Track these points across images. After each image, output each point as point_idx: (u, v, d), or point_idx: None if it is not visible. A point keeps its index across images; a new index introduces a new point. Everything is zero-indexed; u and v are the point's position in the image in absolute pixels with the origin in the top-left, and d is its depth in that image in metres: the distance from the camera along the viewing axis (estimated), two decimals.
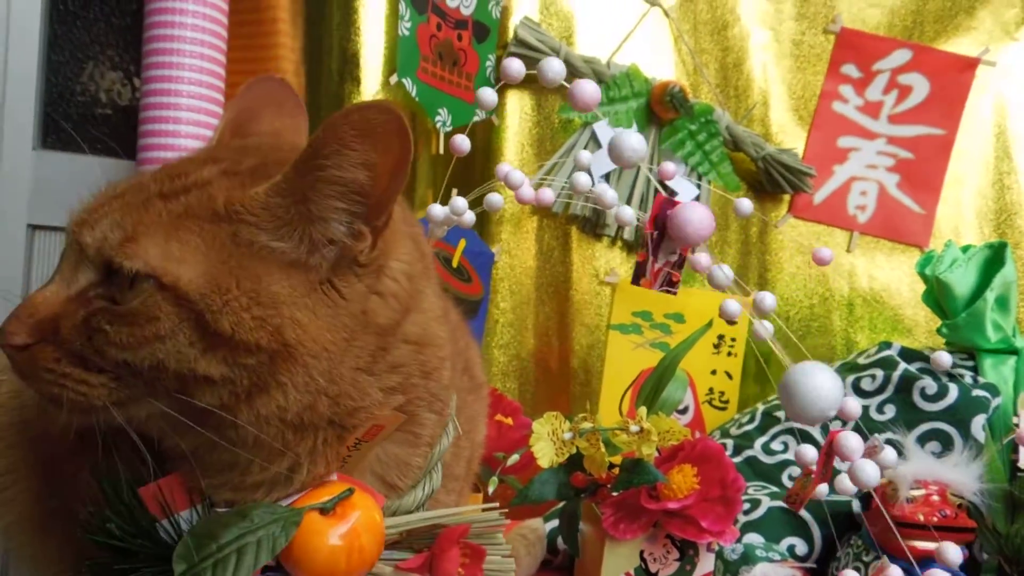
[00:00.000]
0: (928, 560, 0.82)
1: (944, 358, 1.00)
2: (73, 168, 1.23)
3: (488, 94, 0.74)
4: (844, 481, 0.67)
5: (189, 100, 1.10)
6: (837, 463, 0.67)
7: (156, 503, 0.49)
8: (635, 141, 0.57)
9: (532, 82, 1.33)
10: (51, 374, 0.46)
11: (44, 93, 1.24)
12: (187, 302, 0.45)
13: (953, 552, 0.67)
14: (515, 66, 0.77)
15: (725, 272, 0.67)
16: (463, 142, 0.81)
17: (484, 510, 0.55)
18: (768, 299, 0.70)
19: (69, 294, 0.47)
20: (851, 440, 0.62)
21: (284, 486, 0.50)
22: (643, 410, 0.78)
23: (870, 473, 0.62)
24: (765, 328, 0.72)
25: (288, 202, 0.47)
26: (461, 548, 0.53)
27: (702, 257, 0.70)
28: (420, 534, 0.55)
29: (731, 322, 0.74)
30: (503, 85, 1.34)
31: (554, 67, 0.72)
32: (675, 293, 0.67)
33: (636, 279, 0.66)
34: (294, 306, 0.47)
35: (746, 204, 0.80)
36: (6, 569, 1.22)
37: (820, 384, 0.54)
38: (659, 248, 0.63)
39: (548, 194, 0.83)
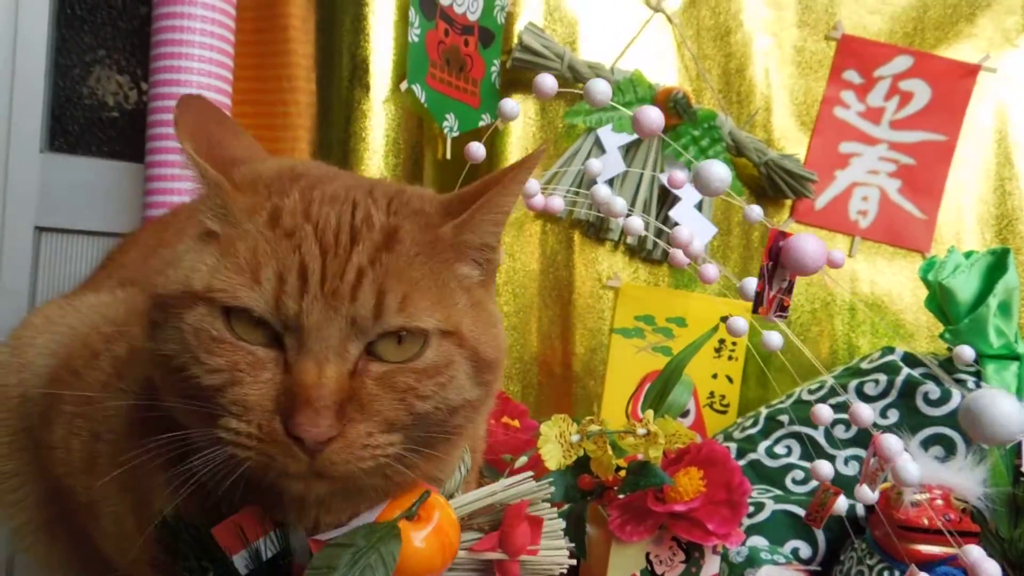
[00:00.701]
0: (932, 564, 0.83)
1: (967, 352, 1.00)
2: (80, 171, 1.24)
3: (511, 106, 0.75)
4: (899, 471, 0.68)
5: None
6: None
7: (235, 538, 0.50)
8: (722, 171, 0.61)
9: None
10: (368, 450, 0.46)
11: (51, 96, 1.24)
12: (465, 342, 0.49)
13: (978, 554, 0.67)
14: (548, 82, 0.79)
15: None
16: (478, 150, 0.81)
17: (521, 481, 0.58)
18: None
19: (349, 368, 0.46)
20: (891, 441, 0.64)
21: (366, 503, 0.52)
22: (650, 413, 0.79)
23: (912, 472, 0.63)
24: (775, 339, 0.73)
25: (468, 234, 0.51)
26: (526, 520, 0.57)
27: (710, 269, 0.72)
28: (479, 514, 0.58)
29: (737, 336, 0.76)
30: (508, 91, 1.36)
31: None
32: (786, 317, 0.70)
33: (755, 308, 0.69)
34: (497, 319, 0.53)
35: (756, 211, 0.81)
36: (12, 571, 1.22)
37: (1006, 410, 0.57)
38: (773, 277, 0.66)
39: (558, 202, 0.83)
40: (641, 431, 0.77)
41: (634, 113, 0.64)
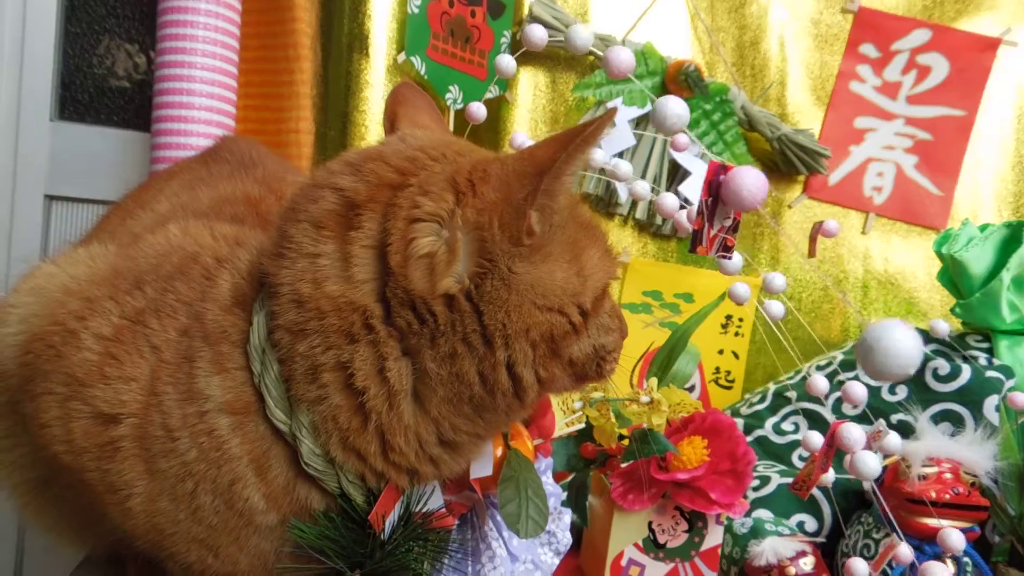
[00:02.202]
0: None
1: (941, 326, 0.99)
2: (90, 140, 1.24)
3: (506, 61, 0.73)
4: (856, 463, 0.67)
5: (203, 73, 1.10)
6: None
7: (388, 509, 0.55)
8: (678, 107, 0.58)
9: (547, 59, 1.33)
10: None
11: (61, 65, 1.24)
12: None
13: (956, 538, 0.66)
14: (538, 32, 0.77)
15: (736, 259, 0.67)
16: (479, 109, 0.80)
17: None
18: (778, 280, 0.70)
19: None
20: (853, 431, 0.62)
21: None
22: (654, 381, 0.78)
23: (871, 465, 0.62)
24: (775, 308, 0.72)
25: None
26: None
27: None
28: None
29: (740, 303, 0.74)
30: (519, 63, 1.34)
31: (581, 34, 0.72)
32: (731, 258, 0.67)
33: (693, 247, 0.67)
34: None
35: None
36: (23, 542, 1.23)
37: (899, 339, 0.55)
38: (714, 214, 0.64)
39: None
40: (644, 399, 0.76)
41: (605, 54, 0.64)
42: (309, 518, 0.54)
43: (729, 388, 1.31)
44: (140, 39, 1.28)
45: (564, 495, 0.85)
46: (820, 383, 0.70)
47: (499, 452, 0.61)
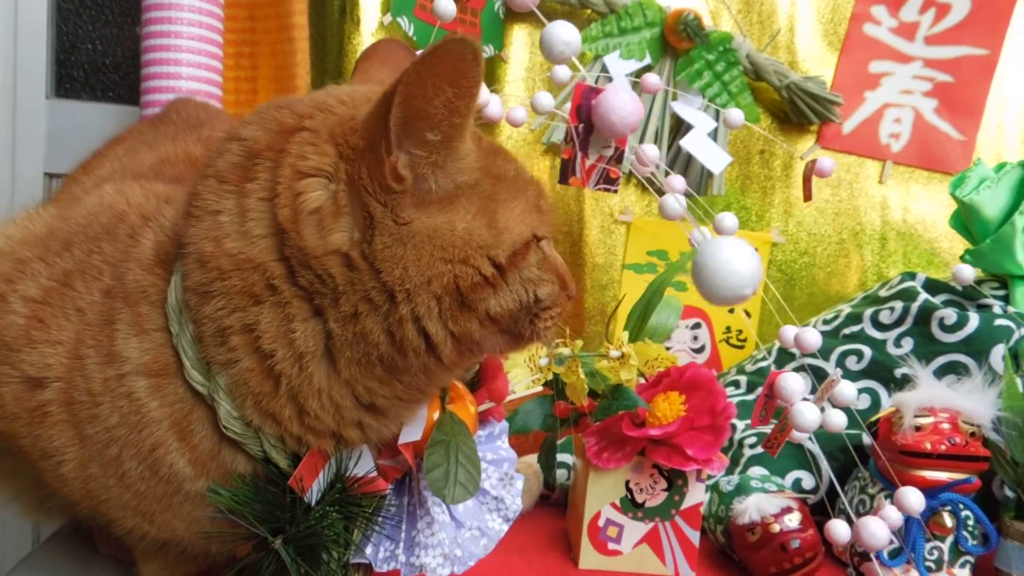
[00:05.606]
0: (937, 490, 0.78)
1: (966, 271, 0.94)
2: (87, 116, 1.25)
3: (444, 4, 0.70)
4: (794, 416, 0.64)
5: (189, 43, 1.10)
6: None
7: (311, 474, 0.54)
8: (565, 32, 0.54)
9: (543, 15, 1.30)
10: None
11: (55, 43, 1.25)
12: None
13: (915, 498, 0.63)
14: None
15: (679, 201, 0.63)
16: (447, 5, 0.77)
17: None
18: (727, 220, 0.66)
19: None
20: (790, 382, 0.58)
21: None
22: (624, 335, 0.75)
23: (808, 418, 0.58)
24: (677, 202, 0.68)
25: None
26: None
27: (676, 183, 0.67)
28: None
29: (670, 219, 0.70)
30: (513, 20, 1.31)
31: None
32: (615, 191, 0.63)
33: (564, 178, 0.63)
34: None
35: (736, 115, 0.75)
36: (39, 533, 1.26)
37: (733, 258, 0.50)
38: (587, 142, 0.60)
39: (520, 113, 0.79)
40: (614, 353, 0.74)
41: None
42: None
43: (741, 347, 1.27)
44: (132, 13, 1.28)
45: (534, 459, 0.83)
46: (787, 335, 0.67)
47: (436, 416, 0.59)
